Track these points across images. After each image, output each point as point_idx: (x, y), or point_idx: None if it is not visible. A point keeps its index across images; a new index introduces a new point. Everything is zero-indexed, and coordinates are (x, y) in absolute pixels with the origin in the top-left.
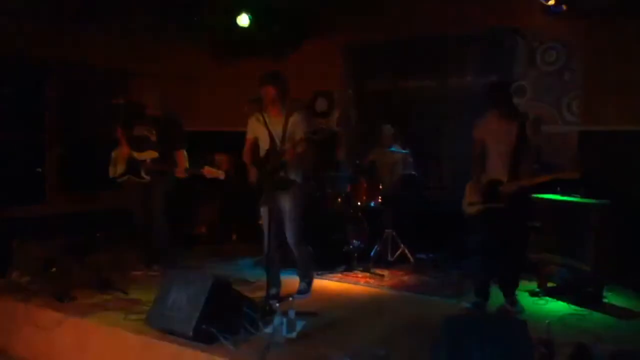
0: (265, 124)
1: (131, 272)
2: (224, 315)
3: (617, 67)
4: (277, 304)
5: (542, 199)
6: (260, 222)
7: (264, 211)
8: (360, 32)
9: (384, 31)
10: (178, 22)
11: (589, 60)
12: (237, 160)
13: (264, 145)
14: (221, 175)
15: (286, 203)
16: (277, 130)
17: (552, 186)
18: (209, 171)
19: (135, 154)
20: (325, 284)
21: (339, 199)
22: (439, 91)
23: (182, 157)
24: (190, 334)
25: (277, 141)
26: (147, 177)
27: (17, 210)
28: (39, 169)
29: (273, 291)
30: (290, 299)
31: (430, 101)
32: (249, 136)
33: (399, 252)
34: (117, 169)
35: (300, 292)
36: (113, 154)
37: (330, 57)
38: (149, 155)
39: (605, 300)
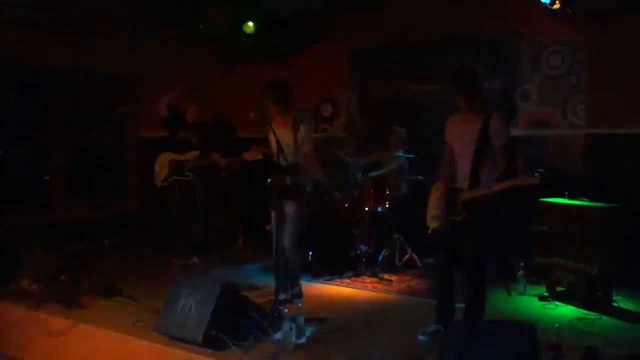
0: (275, 134)
1: (171, 261)
2: (233, 321)
3: (622, 70)
4: (286, 310)
5: (550, 202)
6: (267, 227)
7: (273, 216)
8: (364, 37)
9: (388, 36)
10: (184, 29)
11: (593, 63)
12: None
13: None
14: (260, 155)
15: (289, 207)
16: (287, 142)
17: (559, 190)
18: (250, 155)
19: (177, 157)
20: (334, 289)
21: (346, 204)
22: (443, 95)
23: (219, 158)
24: (200, 340)
25: (286, 151)
26: (191, 175)
27: (23, 218)
28: (47, 177)
29: (282, 296)
30: (299, 305)
31: (434, 105)
32: (271, 151)
33: (406, 257)
34: (161, 175)
35: (297, 296)
36: (157, 164)
37: (335, 62)
38: (191, 155)
39: (615, 304)
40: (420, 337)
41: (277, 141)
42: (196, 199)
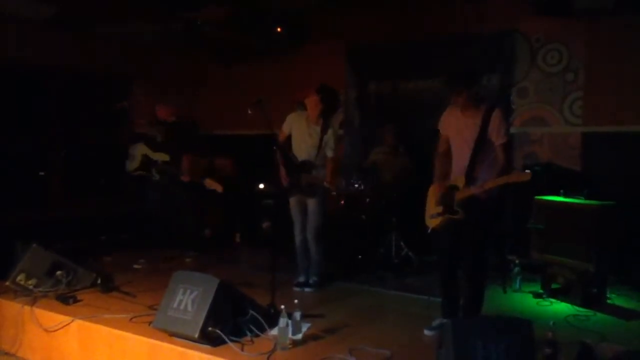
0: (307, 126)
1: (163, 257)
2: (230, 317)
3: (619, 67)
4: (296, 301)
5: (546, 200)
6: (264, 225)
7: (292, 201)
8: (363, 34)
9: (386, 33)
10: (181, 26)
11: (590, 61)
12: (239, 165)
13: (299, 144)
14: (219, 188)
15: (310, 202)
16: (310, 140)
17: (555, 187)
18: (209, 183)
19: (150, 153)
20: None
21: (342, 202)
22: (441, 93)
23: (187, 161)
24: (196, 336)
25: (303, 148)
26: (157, 177)
27: (20, 215)
28: (42, 173)
29: (301, 279)
30: (307, 289)
31: (432, 102)
32: (285, 130)
33: (402, 254)
34: (133, 164)
35: (311, 285)
36: (130, 151)
37: (333, 59)
38: (161, 157)
39: (610, 301)
40: (426, 331)
41: (309, 135)
42: (174, 200)
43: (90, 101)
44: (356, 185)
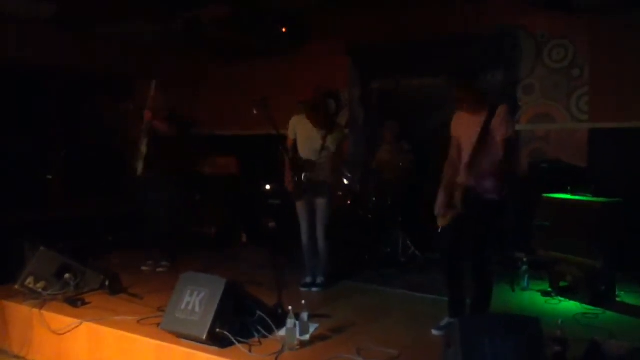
0: (312, 128)
1: (141, 268)
2: (238, 318)
3: (625, 63)
4: (303, 301)
5: (553, 197)
6: (270, 224)
7: (299, 204)
8: (363, 34)
9: (389, 31)
10: (180, 27)
11: (597, 57)
12: (243, 163)
13: (304, 145)
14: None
15: (319, 202)
16: (313, 140)
17: (562, 185)
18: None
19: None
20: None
21: (348, 200)
22: (445, 90)
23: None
24: (204, 337)
25: (315, 149)
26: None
27: (20, 215)
28: (50, 176)
29: (308, 280)
30: (314, 289)
31: (436, 100)
32: (291, 136)
33: (409, 252)
34: (139, 167)
35: (318, 285)
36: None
37: (334, 59)
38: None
39: (619, 299)
40: (434, 332)
41: (311, 137)
42: (162, 199)
43: (92, 101)
44: (347, 182)
